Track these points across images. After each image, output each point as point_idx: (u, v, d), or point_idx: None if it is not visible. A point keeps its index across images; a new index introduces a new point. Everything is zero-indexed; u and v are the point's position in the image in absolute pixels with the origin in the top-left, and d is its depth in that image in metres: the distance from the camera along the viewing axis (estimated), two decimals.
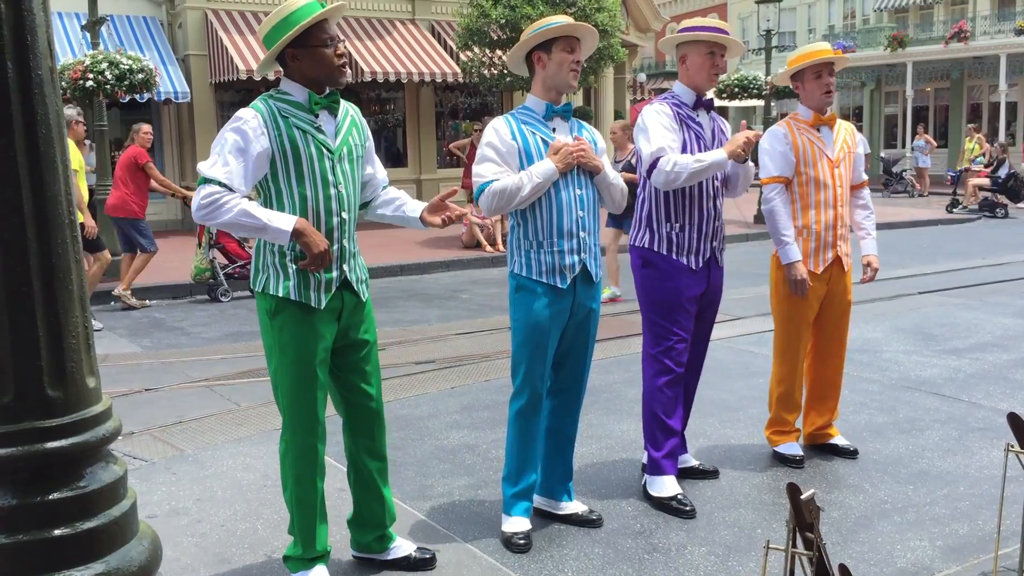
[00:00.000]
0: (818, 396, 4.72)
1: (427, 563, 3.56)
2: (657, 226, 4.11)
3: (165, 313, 9.76)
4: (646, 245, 4.15)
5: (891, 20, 31.75)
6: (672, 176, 3.91)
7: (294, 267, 3.17)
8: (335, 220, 3.22)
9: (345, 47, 3.30)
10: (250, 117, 3.13)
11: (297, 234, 3.06)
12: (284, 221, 3.06)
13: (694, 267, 4.11)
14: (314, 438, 3.29)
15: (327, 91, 3.24)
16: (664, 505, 4.07)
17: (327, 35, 3.18)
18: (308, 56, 3.17)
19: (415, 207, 3.53)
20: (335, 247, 3.22)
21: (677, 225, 4.08)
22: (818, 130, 4.51)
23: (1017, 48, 25.92)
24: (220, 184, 3.06)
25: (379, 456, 3.53)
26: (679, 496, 4.07)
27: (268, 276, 3.21)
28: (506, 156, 3.63)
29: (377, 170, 3.54)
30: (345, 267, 3.27)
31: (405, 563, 3.56)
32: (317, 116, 3.21)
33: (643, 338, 4.27)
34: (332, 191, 3.20)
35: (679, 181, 3.93)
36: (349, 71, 3.30)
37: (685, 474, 4.36)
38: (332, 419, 3.59)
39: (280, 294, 3.17)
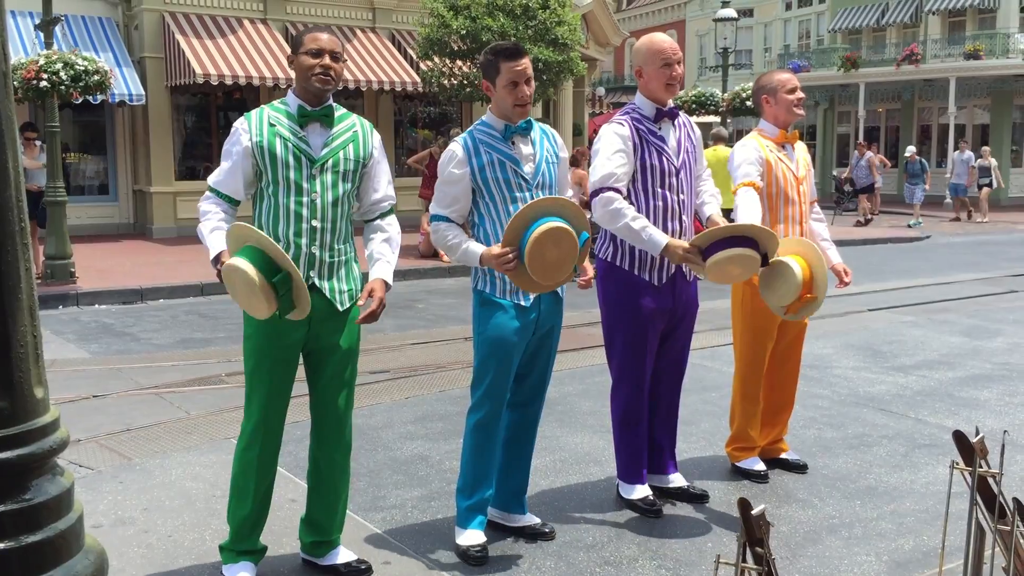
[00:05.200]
0: (773, 410, 4.77)
1: (359, 574, 3.57)
2: (621, 240, 4.12)
3: (115, 318, 9.61)
4: (609, 258, 4.16)
5: (845, 41, 32.32)
6: (607, 219, 3.95)
7: None
8: (305, 226, 3.32)
9: (342, 66, 3.41)
10: (239, 123, 3.38)
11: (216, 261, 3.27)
12: (212, 249, 3.29)
13: (656, 283, 4.11)
14: (261, 429, 3.41)
15: (325, 103, 3.38)
16: (633, 506, 4.22)
17: (316, 45, 3.33)
18: (296, 64, 3.38)
19: (376, 272, 3.53)
20: (303, 252, 3.32)
21: None
22: (783, 147, 4.58)
23: (966, 72, 26.57)
24: (210, 190, 3.38)
25: (340, 468, 3.59)
26: (646, 497, 4.22)
27: None
28: (456, 193, 3.68)
29: (371, 190, 3.53)
30: (313, 273, 3.35)
31: (333, 572, 3.58)
32: (304, 127, 3.34)
33: (606, 351, 4.29)
34: (305, 199, 3.32)
35: (611, 228, 3.98)
36: (330, 81, 3.35)
37: (673, 495, 4.36)
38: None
39: None
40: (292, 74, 3.55)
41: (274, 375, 3.38)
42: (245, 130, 3.33)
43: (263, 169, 3.31)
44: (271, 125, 3.32)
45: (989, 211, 22.47)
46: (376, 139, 3.55)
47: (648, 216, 4.04)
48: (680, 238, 4.10)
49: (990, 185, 22.13)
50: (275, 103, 3.41)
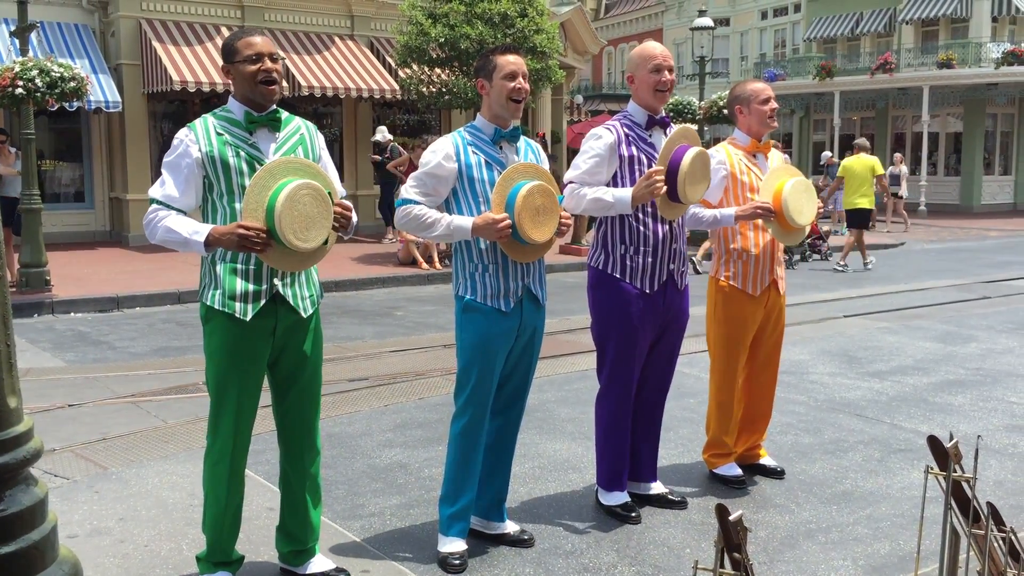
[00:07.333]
0: (751, 417, 4.80)
1: None
2: (612, 248, 4.14)
3: (90, 326, 9.53)
4: (600, 267, 4.19)
5: (820, 50, 32.60)
6: (573, 203, 4.02)
7: (222, 276, 3.24)
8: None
9: (280, 64, 3.35)
10: (184, 134, 3.28)
11: (212, 244, 3.14)
12: (200, 234, 3.14)
13: (648, 291, 4.13)
14: (231, 445, 3.37)
15: (270, 109, 3.32)
16: (613, 512, 4.22)
17: (253, 51, 3.26)
18: (235, 72, 3.29)
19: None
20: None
21: (632, 248, 4.10)
22: (754, 156, 4.61)
23: (939, 80, 26.83)
24: (158, 203, 3.22)
25: (310, 476, 3.55)
26: (626, 503, 4.23)
27: (205, 284, 3.33)
28: (437, 185, 3.67)
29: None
30: (277, 281, 3.28)
31: None
32: (252, 133, 3.28)
33: (597, 359, 4.30)
34: None
35: (580, 210, 4.04)
36: (276, 89, 3.31)
37: (652, 502, 4.37)
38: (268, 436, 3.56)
39: (208, 303, 3.28)
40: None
41: (243, 391, 3.33)
42: (192, 141, 3.22)
43: (214, 180, 3.23)
44: (219, 134, 3.23)
45: (961, 218, 22.50)
46: (320, 139, 3.54)
47: (639, 218, 4.09)
48: (670, 241, 4.15)
49: (898, 195, 21.62)
50: (216, 112, 3.31)
